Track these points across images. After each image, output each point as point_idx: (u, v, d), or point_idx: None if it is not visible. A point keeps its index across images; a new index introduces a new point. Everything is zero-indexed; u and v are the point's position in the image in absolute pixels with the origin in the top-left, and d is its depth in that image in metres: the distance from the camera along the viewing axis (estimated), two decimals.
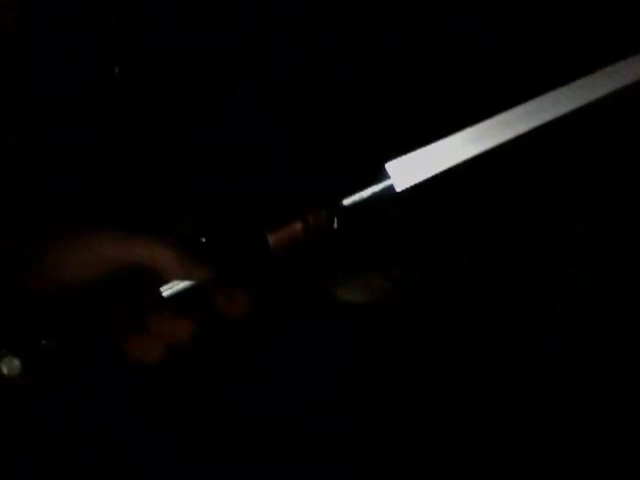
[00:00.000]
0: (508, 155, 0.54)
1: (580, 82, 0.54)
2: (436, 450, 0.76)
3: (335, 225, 0.54)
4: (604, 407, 0.77)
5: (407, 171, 0.54)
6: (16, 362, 0.50)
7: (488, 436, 0.76)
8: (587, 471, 0.75)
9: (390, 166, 0.54)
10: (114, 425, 0.71)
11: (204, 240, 0.54)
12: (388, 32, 0.84)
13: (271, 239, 0.53)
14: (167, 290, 0.54)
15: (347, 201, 0.54)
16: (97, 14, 0.81)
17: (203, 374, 0.74)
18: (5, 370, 0.50)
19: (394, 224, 0.81)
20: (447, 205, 0.81)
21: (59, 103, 0.82)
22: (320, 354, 0.78)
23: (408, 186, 0.54)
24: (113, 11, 0.81)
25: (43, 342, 0.52)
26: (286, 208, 0.55)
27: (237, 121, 0.83)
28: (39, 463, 0.67)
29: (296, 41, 0.83)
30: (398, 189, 0.54)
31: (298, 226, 0.53)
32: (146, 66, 0.83)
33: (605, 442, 0.76)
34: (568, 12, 0.80)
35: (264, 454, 0.74)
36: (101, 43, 0.82)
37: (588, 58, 0.80)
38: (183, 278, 0.53)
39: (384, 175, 0.54)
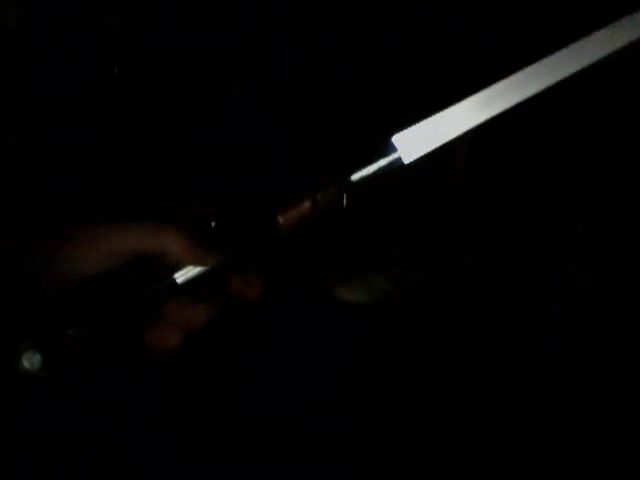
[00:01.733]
0: (511, 136, 0.55)
1: (574, 47, 0.54)
2: (436, 450, 0.76)
3: (345, 202, 0.54)
4: (604, 407, 0.77)
5: (413, 143, 0.54)
6: (37, 356, 0.51)
7: (488, 436, 0.76)
8: (587, 471, 0.75)
9: (396, 139, 0.53)
10: (114, 425, 0.71)
11: (214, 224, 0.54)
12: (388, 32, 0.84)
13: (281, 219, 0.53)
14: (181, 277, 0.54)
15: (355, 176, 0.53)
16: (97, 14, 0.81)
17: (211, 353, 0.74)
18: (27, 365, 0.51)
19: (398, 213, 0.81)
20: (447, 206, 0.81)
21: (59, 103, 0.82)
22: (320, 354, 0.78)
23: (416, 158, 0.54)
24: (113, 11, 0.81)
25: (62, 335, 0.52)
26: (294, 187, 0.54)
27: (237, 121, 0.83)
28: (39, 463, 0.67)
29: (296, 41, 0.83)
30: (406, 161, 0.54)
31: (307, 205, 0.53)
32: (146, 66, 0.83)
33: (605, 442, 0.76)
34: (567, 12, 0.80)
35: (264, 454, 0.74)
36: (101, 43, 0.82)
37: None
38: (196, 264, 0.54)
39: (391, 148, 0.53)
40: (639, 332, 0.79)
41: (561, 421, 0.77)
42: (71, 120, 0.83)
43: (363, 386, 0.78)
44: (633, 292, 0.80)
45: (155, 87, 0.83)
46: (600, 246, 0.81)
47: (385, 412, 0.77)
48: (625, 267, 0.80)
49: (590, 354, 0.78)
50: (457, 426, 0.76)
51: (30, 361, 0.51)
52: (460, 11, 0.83)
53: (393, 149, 0.53)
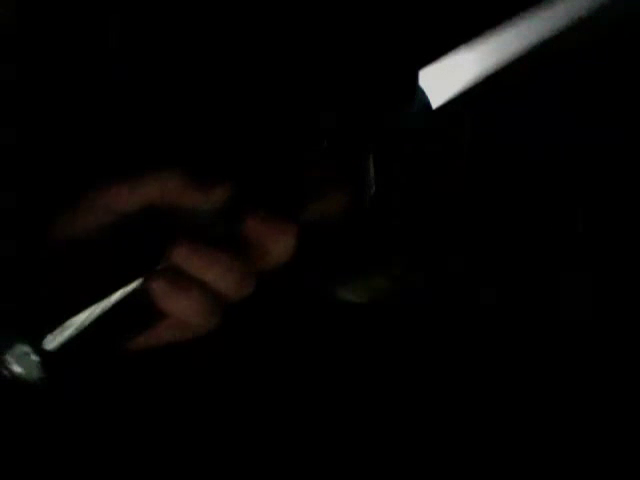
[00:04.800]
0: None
1: None
2: (436, 450, 0.76)
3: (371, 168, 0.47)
4: (604, 407, 0.77)
5: (441, 82, 0.47)
6: (33, 358, 0.40)
7: (489, 437, 0.76)
8: (587, 471, 0.75)
9: (422, 77, 0.47)
10: (113, 424, 0.71)
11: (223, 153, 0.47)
12: None
13: (307, 155, 0.46)
14: (190, 226, 0.45)
15: (381, 123, 0.47)
16: (98, 13, 0.81)
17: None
18: (20, 369, 0.39)
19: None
20: (447, 205, 0.81)
21: (58, 103, 0.82)
22: (320, 354, 0.78)
23: (445, 100, 0.46)
24: (114, 10, 0.81)
25: (63, 324, 0.41)
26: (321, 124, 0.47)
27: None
28: (39, 463, 0.67)
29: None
30: (434, 105, 0.47)
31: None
32: (146, 66, 0.83)
33: (605, 442, 0.76)
34: None
35: (264, 454, 0.74)
36: (101, 43, 0.82)
37: None
38: (203, 203, 0.45)
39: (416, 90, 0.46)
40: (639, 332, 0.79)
41: (561, 421, 0.77)
42: (70, 120, 0.82)
43: (363, 386, 0.78)
44: (633, 292, 0.80)
45: (156, 87, 0.83)
46: (600, 246, 0.81)
47: (386, 412, 0.77)
48: (626, 267, 0.81)
49: (590, 354, 0.79)
50: (457, 426, 0.77)
51: (24, 365, 0.39)
52: None
53: (419, 91, 0.46)
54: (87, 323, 0.43)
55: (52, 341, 0.42)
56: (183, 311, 0.45)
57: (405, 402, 0.78)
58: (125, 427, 0.71)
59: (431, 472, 0.75)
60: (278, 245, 0.46)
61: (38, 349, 0.41)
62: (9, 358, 0.40)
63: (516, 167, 0.80)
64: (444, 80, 0.46)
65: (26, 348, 0.40)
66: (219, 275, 0.45)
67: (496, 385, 0.78)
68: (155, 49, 0.82)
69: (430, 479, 0.76)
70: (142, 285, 0.44)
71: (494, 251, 0.81)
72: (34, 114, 0.81)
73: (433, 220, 0.81)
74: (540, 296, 0.80)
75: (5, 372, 0.40)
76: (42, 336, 0.42)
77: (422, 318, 0.80)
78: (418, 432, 0.76)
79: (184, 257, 0.44)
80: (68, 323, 0.42)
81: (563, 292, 0.80)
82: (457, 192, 0.81)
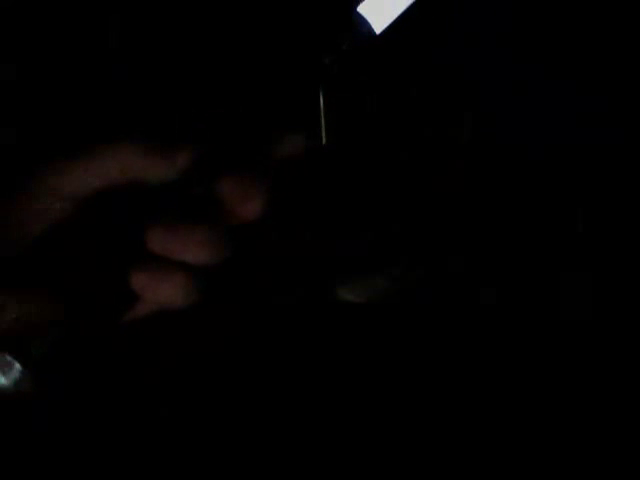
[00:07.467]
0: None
1: None
2: (436, 450, 0.76)
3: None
4: (604, 407, 0.77)
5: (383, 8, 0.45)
6: (17, 367, 0.36)
7: (489, 436, 0.76)
8: (587, 471, 0.75)
9: (363, 7, 0.45)
10: (112, 424, 0.71)
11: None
12: None
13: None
14: (158, 202, 0.40)
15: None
16: (98, 13, 0.81)
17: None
18: (3, 380, 0.34)
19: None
20: (447, 205, 0.81)
21: (58, 103, 0.82)
22: (320, 354, 0.78)
23: (388, 25, 0.45)
24: (114, 10, 0.81)
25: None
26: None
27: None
28: (37, 462, 0.67)
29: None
30: (377, 31, 0.46)
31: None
32: (146, 66, 0.83)
33: (605, 442, 0.76)
34: None
35: (264, 454, 0.74)
36: (101, 43, 0.82)
37: None
38: (170, 171, 0.40)
39: (358, 19, 0.45)
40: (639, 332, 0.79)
41: (561, 421, 0.77)
42: (69, 119, 0.82)
43: (363, 386, 0.78)
44: (633, 292, 0.80)
45: (156, 87, 0.83)
46: (600, 246, 0.81)
47: (386, 411, 0.77)
48: (626, 267, 0.80)
49: (590, 354, 0.79)
50: (458, 426, 0.76)
51: (6, 372, 0.35)
52: None
53: (361, 20, 0.45)
54: (67, 321, 0.40)
55: (36, 346, 0.39)
56: (167, 297, 0.43)
57: (405, 402, 0.77)
58: (118, 429, 0.71)
59: (431, 472, 0.75)
60: (253, 203, 0.43)
61: (22, 357, 0.37)
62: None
63: (516, 167, 0.80)
64: (383, 4, 0.45)
65: (8, 357, 0.37)
66: (199, 252, 0.42)
67: (496, 385, 0.78)
68: (155, 49, 0.82)
69: (430, 479, 0.76)
70: (118, 278, 0.42)
71: (494, 251, 0.81)
72: (34, 114, 0.81)
73: (433, 220, 0.81)
74: (540, 296, 0.80)
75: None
76: (25, 343, 0.38)
77: (422, 318, 0.80)
78: (418, 432, 0.76)
79: (160, 243, 0.42)
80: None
81: (563, 292, 0.80)
82: (457, 192, 0.81)
